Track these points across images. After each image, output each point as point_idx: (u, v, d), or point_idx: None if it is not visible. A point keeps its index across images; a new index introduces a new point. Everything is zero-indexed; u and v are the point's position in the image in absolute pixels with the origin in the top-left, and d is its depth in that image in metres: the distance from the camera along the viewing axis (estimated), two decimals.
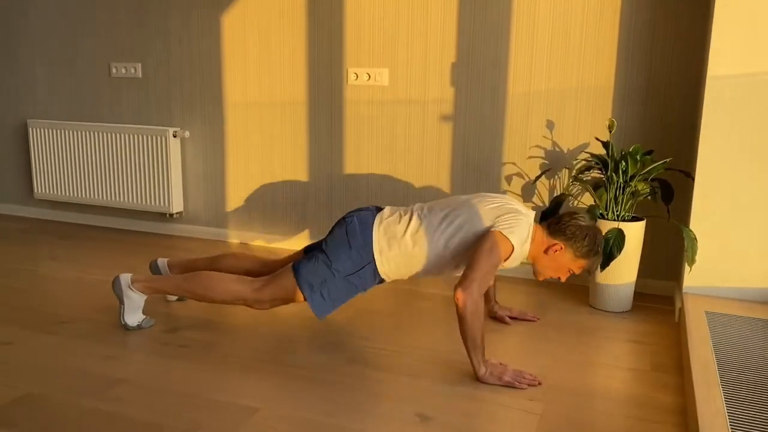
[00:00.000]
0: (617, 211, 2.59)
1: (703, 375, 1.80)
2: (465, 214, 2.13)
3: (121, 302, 2.32)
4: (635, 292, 2.88)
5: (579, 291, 2.88)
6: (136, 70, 3.72)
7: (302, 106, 3.39)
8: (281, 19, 3.34)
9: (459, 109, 3.08)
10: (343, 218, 2.23)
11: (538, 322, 2.51)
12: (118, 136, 3.74)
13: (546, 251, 2.15)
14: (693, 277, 2.48)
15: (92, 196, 3.89)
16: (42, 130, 3.94)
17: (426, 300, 2.74)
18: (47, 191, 4.01)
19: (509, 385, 1.94)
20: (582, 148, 2.91)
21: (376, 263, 2.16)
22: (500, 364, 2.00)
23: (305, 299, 2.16)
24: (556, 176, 2.98)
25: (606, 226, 2.54)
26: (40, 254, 3.35)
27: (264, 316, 2.52)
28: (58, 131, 3.90)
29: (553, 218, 2.20)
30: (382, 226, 2.17)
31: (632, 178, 2.54)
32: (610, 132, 2.62)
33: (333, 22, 3.23)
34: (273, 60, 3.40)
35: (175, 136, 3.63)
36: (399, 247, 2.14)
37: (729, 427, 1.53)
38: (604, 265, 2.49)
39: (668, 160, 2.58)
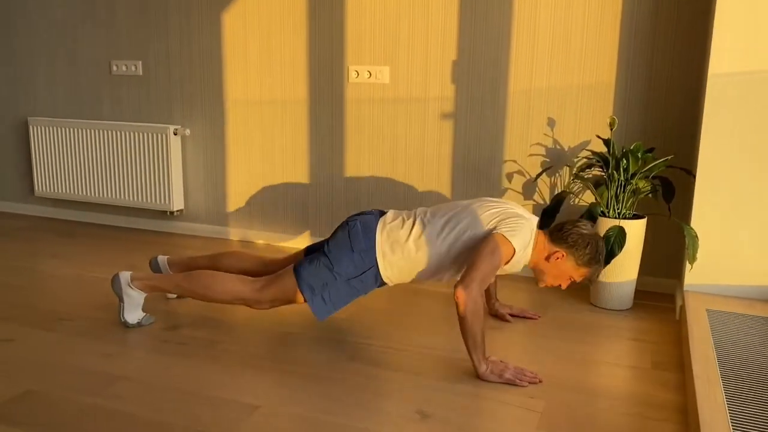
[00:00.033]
0: (618, 209, 2.58)
1: (704, 372, 1.80)
2: (467, 220, 2.13)
3: (121, 300, 2.32)
4: (636, 290, 2.87)
5: (580, 289, 2.88)
6: (136, 68, 3.72)
7: (303, 103, 3.38)
8: (282, 17, 3.33)
9: (460, 106, 3.08)
10: (346, 222, 2.23)
11: (539, 320, 2.50)
12: (118, 133, 3.73)
13: (547, 258, 2.15)
14: (694, 275, 2.48)
15: (93, 194, 3.89)
16: (42, 128, 3.94)
17: (427, 298, 2.74)
18: (48, 189, 4.01)
19: (510, 383, 1.94)
20: (583, 145, 2.90)
21: (379, 267, 2.15)
22: (501, 361, 2.00)
23: (306, 301, 2.16)
24: (557, 174, 2.97)
25: (607, 224, 2.53)
26: (40, 252, 3.35)
27: (264, 313, 2.51)
28: (59, 129, 3.90)
29: (555, 225, 2.20)
30: (385, 231, 2.16)
31: (633, 175, 2.53)
32: (612, 129, 2.62)
33: (334, 19, 3.23)
34: (274, 58, 3.40)
35: (175, 134, 3.63)
36: (402, 252, 2.14)
37: (730, 423, 1.53)
38: (606, 263, 2.48)
39: (669, 157, 2.58)
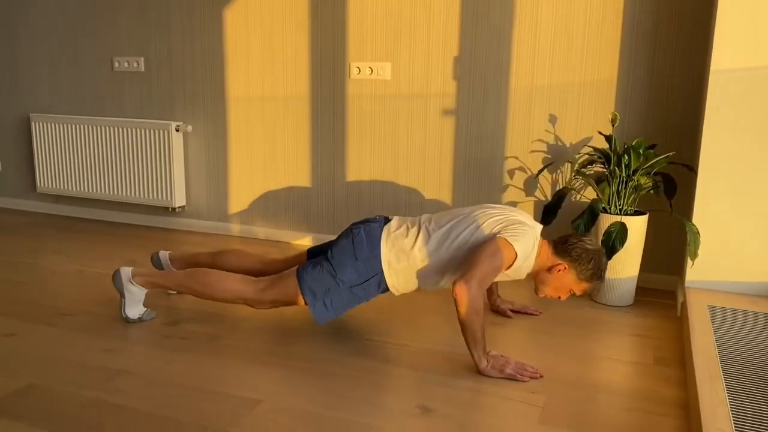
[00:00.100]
0: (620, 205, 2.58)
1: (706, 368, 1.80)
2: (471, 227, 2.12)
3: (122, 296, 2.33)
4: (637, 287, 2.87)
5: None
6: (138, 64, 3.72)
7: (305, 100, 3.38)
8: (284, 14, 3.33)
9: (461, 103, 3.08)
10: (350, 229, 2.23)
11: (540, 316, 2.50)
12: (120, 130, 3.74)
13: (549, 270, 2.15)
14: (695, 272, 2.48)
15: (94, 190, 3.89)
16: (45, 125, 3.94)
17: (427, 294, 2.74)
18: (50, 185, 4.02)
19: (511, 378, 1.94)
20: (585, 142, 2.90)
21: (385, 276, 2.16)
22: (501, 356, 2.00)
23: (307, 305, 2.16)
24: (559, 170, 2.97)
25: (608, 220, 2.53)
26: (41, 247, 3.35)
27: (265, 310, 2.51)
28: (61, 125, 3.90)
29: (560, 238, 2.19)
30: (389, 240, 2.16)
31: (635, 172, 2.53)
32: (613, 126, 2.61)
33: (336, 15, 3.23)
34: (275, 54, 3.40)
35: (177, 131, 3.63)
36: (407, 261, 2.15)
37: (731, 419, 1.53)
38: (607, 259, 2.48)
39: (671, 154, 2.57)
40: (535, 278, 2.21)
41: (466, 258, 2.10)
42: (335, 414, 1.73)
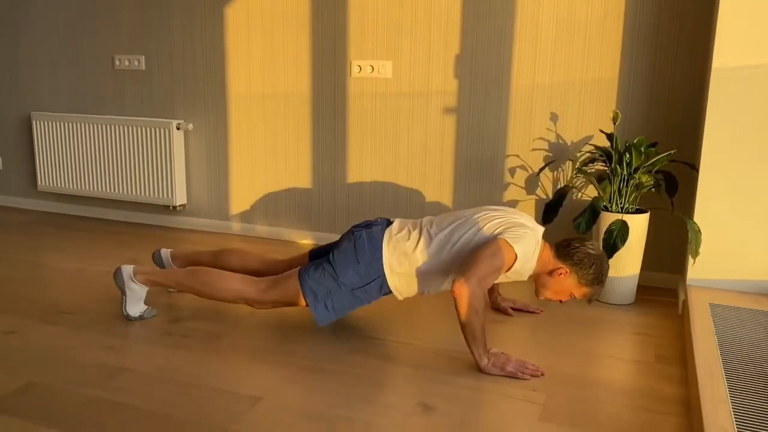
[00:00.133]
0: (621, 204, 2.57)
1: (707, 365, 1.79)
2: (472, 230, 2.12)
3: (123, 293, 2.33)
4: (638, 285, 2.87)
5: None
6: (139, 63, 3.72)
7: (306, 98, 3.38)
8: (285, 11, 3.33)
9: (462, 101, 3.07)
10: (352, 232, 2.23)
11: (541, 314, 2.50)
12: (121, 128, 3.74)
13: (551, 273, 2.14)
14: (697, 270, 2.47)
15: (96, 189, 3.89)
16: (46, 123, 3.95)
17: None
18: (51, 184, 4.02)
19: (512, 376, 1.93)
20: (586, 140, 2.90)
21: (387, 279, 2.16)
22: (502, 353, 1.99)
23: (308, 306, 2.17)
24: (560, 168, 2.96)
25: (610, 218, 2.53)
26: (43, 246, 3.35)
27: None
28: (62, 124, 3.90)
29: (562, 241, 2.19)
30: (391, 243, 2.16)
31: (636, 170, 2.53)
32: (615, 124, 2.61)
33: (337, 14, 3.22)
34: (276, 52, 3.39)
35: (178, 129, 3.63)
36: (409, 264, 2.15)
37: (733, 416, 1.52)
38: (608, 257, 2.48)
39: (672, 152, 2.57)
40: (536, 281, 2.20)
41: (467, 258, 2.10)
42: (336, 411, 1.73)
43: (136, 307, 2.34)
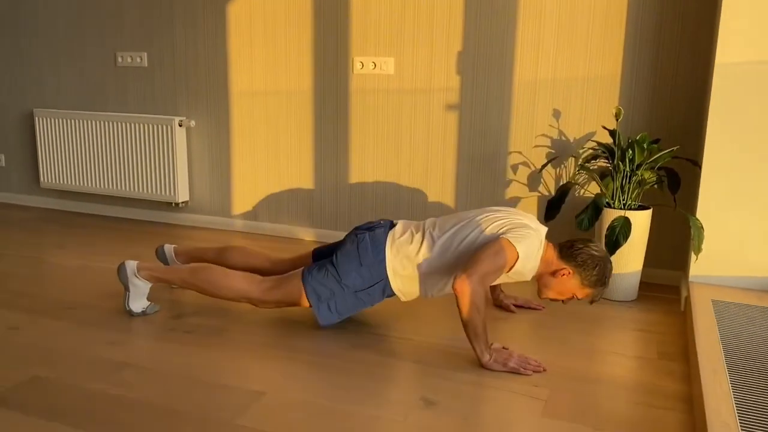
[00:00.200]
0: (623, 200, 2.57)
1: (710, 361, 1.79)
2: (475, 231, 2.12)
3: (127, 289, 2.33)
4: (641, 282, 2.87)
5: None
6: (141, 59, 3.72)
7: (308, 95, 3.38)
8: (287, 8, 3.33)
9: (465, 97, 3.07)
10: (355, 234, 2.23)
11: (544, 310, 2.50)
12: (123, 125, 3.74)
13: (554, 273, 2.14)
14: (699, 266, 2.47)
15: (98, 186, 3.90)
16: (48, 120, 3.95)
17: None
18: (53, 180, 4.02)
19: (514, 371, 1.94)
20: (588, 136, 2.90)
21: (390, 281, 2.17)
22: (504, 348, 2.00)
23: (311, 306, 2.18)
24: (563, 165, 2.96)
25: (612, 214, 2.53)
26: (46, 242, 3.36)
27: None
28: (65, 121, 3.91)
29: (566, 242, 2.18)
30: (394, 246, 2.17)
31: (639, 166, 2.53)
32: (617, 120, 2.61)
33: (339, 10, 3.22)
34: (279, 49, 3.40)
35: (180, 126, 3.63)
36: (412, 268, 2.15)
37: (736, 412, 1.53)
38: (610, 253, 2.48)
39: (675, 148, 2.57)
40: (539, 281, 2.20)
41: (470, 256, 2.10)
42: (339, 406, 1.73)
43: (138, 302, 2.34)
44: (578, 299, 2.18)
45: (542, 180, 3.01)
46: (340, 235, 3.45)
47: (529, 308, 2.51)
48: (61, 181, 4.00)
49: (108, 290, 2.63)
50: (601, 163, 2.80)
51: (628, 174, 2.54)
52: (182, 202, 3.75)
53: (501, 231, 2.08)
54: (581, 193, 2.94)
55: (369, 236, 2.19)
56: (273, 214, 3.58)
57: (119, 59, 3.78)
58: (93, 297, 2.55)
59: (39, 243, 3.34)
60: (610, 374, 1.96)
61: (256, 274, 2.30)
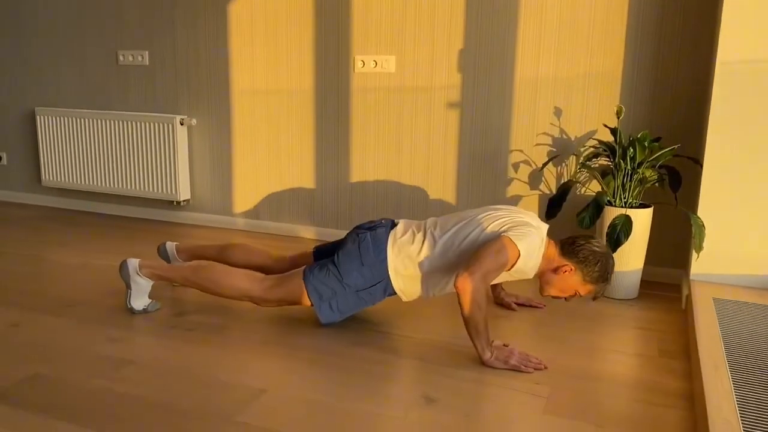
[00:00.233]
0: (625, 198, 2.57)
1: (711, 359, 1.79)
2: (477, 230, 2.12)
3: (128, 287, 2.33)
4: (642, 280, 2.87)
5: None
6: (143, 58, 3.72)
7: (309, 93, 3.38)
8: (288, 7, 3.33)
9: (466, 95, 3.07)
10: (357, 233, 2.23)
11: (545, 308, 2.50)
12: (125, 123, 3.74)
13: (555, 270, 2.14)
14: (700, 264, 2.47)
15: (99, 184, 3.90)
16: (50, 118, 3.95)
17: None
18: (55, 179, 4.03)
19: (515, 369, 1.94)
20: (590, 135, 2.90)
21: (391, 281, 2.17)
22: (505, 346, 2.00)
23: (312, 305, 2.18)
24: (564, 163, 2.96)
25: (613, 212, 2.53)
26: (47, 240, 3.36)
27: None
28: (66, 119, 3.91)
29: (567, 239, 2.18)
30: (396, 246, 2.17)
31: (640, 164, 2.52)
32: (618, 118, 2.61)
33: (340, 9, 3.22)
34: (280, 48, 3.40)
35: (182, 124, 3.63)
36: (414, 267, 2.15)
37: (737, 409, 1.52)
38: (612, 251, 2.48)
39: (676, 146, 2.57)
40: (540, 278, 2.20)
41: (471, 254, 2.10)
42: (340, 403, 1.73)
43: (140, 300, 2.34)
44: (581, 296, 2.17)
45: (543, 178, 3.01)
46: (341, 234, 3.45)
47: (531, 306, 2.51)
48: (63, 180, 4.00)
49: (109, 288, 2.63)
50: (603, 161, 2.80)
51: (630, 172, 2.54)
52: (183, 201, 3.75)
53: (502, 229, 2.08)
54: (582, 192, 2.94)
55: (370, 236, 2.19)
56: (274, 212, 3.58)
57: (121, 58, 3.78)
58: (94, 295, 2.55)
59: (40, 241, 3.35)
60: (611, 372, 1.96)
61: (258, 273, 2.31)
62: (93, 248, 3.23)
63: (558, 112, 2.93)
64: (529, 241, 2.05)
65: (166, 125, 3.62)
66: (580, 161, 2.89)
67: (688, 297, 2.42)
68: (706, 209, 2.44)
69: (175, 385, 1.82)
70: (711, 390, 1.62)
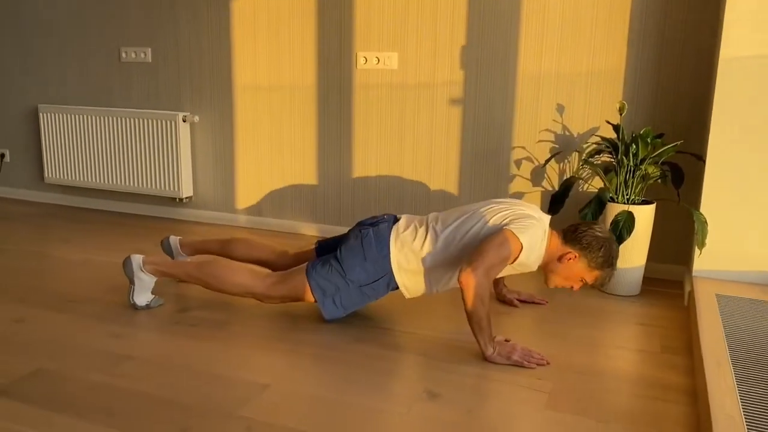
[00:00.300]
0: (627, 195, 2.57)
1: (714, 355, 1.79)
2: (479, 224, 2.12)
3: (132, 283, 2.34)
4: (644, 277, 2.86)
5: None
6: (145, 55, 3.73)
7: (311, 90, 3.38)
8: (291, 3, 3.33)
9: (468, 92, 3.07)
10: (359, 229, 2.23)
11: (547, 305, 2.50)
12: (128, 120, 3.75)
13: (560, 259, 2.13)
14: (703, 261, 2.47)
15: (102, 181, 3.91)
16: (52, 115, 3.96)
17: None
18: (58, 176, 4.03)
19: (517, 365, 1.94)
20: (592, 131, 2.89)
21: (394, 276, 2.17)
22: (506, 341, 2.00)
23: (316, 302, 2.18)
24: (566, 160, 2.96)
25: (616, 209, 2.53)
26: (50, 237, 3.37)
27: None
28: (69, 116, 3.92)
29: (569, 226, 2.18)
30: (398, 241, 2.17)
31: (642, 161, 2.52)
32: (621, 115, 2.60)
33: (342, 5, 3.22)
34: (282, 44, 3.40)
35: (184, 121, 3.63)
36: (417, 262, 2.16)
37: (740, 405, 1.53)
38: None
39: (679, 143, 2.57)
40: (545, 269, 2.20)
41: (474, 249, 2.10)
42: (343, 398, 1.74)
43: (143, 296, 2.35)
44: (587, 284, 2.17)
45: (546, 175, 3.01)
46: (343, 230, 3.45)
47: (533, 303, 2.51)
48: (66, 177, 4.01)
49: (112, 284, 2.63)
50: (605, 157, 2.80)
51: (632, 169, 2.54)
52: (186, 198, 3.75)
53: (504, 222, 2.08)
54: (585, 188, 2.94)
55: (373, 231, 2.20)
56: (277, 209, 3.59)
57: (123, 55, 3.79)
58: (97, 291, 2.55)
59: (43, 238, 3.36)
60: (613, 368, 1.96)
61: (261, 269, 2.31)
62: (96, 245, 3.23)
63: (560, 109, 2.92)
64: (532, 234, 2.05)
65: (168, 122, 3.63)
66: (583, 158, 2.89)
67: (691, 293, 2.42)
68: (708, 205, 2.44)
69: (177, 380, 1.83)
70: (714, 386, 1.62)
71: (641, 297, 2.60)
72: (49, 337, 2.11)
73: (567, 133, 2.93)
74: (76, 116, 3.89)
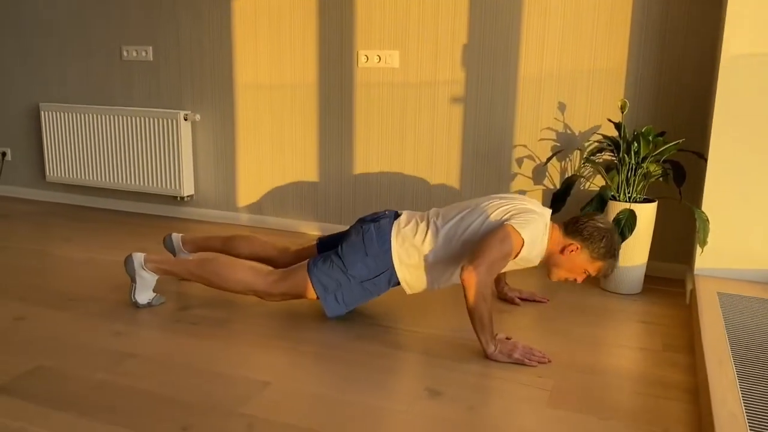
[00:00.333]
0: (629, 193, 2.57)
1: (715, 352, 1.79)
2: (480, 218, 2.12)
3: (133, 281, 2.34)
4: (646, 275, 2.86)
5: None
6: (147, 53, 3.73)
7: (313, 88, 3.38)
8: (292, 1, 3.33)
9: (470, 90, 3.07)
10: (360, 225, 2.23)
11: (548, 303, 2.50)
12: (129, 119, 3.75)
13: (562, 251, 2.13)
14: (704, 259, 2.47)
15: (104, 179, 3.91)
16: (54, 114, 3.96)
17: None
18: (59, 174, 4.03)
19: (519, 362, 1.94)
20: (594, 129, 2.89)
21: (396, 271, 2.17)
22: (508, 339, 2.00)
23: (318, 298, 2.18)
24: (568, 158, 2.96)
25: (617, 207, 2.52)
26: (52, 235, 3.37)
27: None
28: (70, 114, 3.92)
29: (570, 219, 2.18)
30: (399, 236, 2.17)
31: (644, 159, 2.52)
32: (623, 113, 2.60)
33: (344, 3, 3.22)
34: (284, 42, 3.40)
35: (186, 120, 3.63)
36: (418, 257, 2.16)
37: (742, 402, 1.52)
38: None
39: (680, 141, 2.56)
40: (547, 262, 2.19)
41: (475, 245, 2.10)
42: (344, 396, 1.74)
43: (144, 294, 2.35)
44: (591, 275, 2.16)
45: (547, 173, 3.01)
46: (344, 229, 3.45)
47: (534, 301, 2.51)
48: (67, 175, 4.01)
49: (114, 282, 2.64)
50: (607, 156, 2.80)
51: (634, 167, 2.54)
52: (187, 196, 3.75)
53: (505, 217, 2.08)
54: (586, 186, 2.94)
55: (374, 227, 2.20)
56: (278, 207, 3.59)
57: (125, 53, 3.79)
58: (99, 289, 2.56)
59: (45, 236, 3.36)
60: (615, 365, 1.96)
61: (263, 267, 2.31)
62: (97, 243, 3.23)
63: (562, 107, 2.92)
64: (533, 228, 2.05)
65: (170, 121, 3.63)
66: (584, 156, 2.88)
67: (692, 291, 2.42)
68: (710, 204, 2.43)
69: (179, 378, 1.83)
70: (715, 383, 1.62)
71: (643, 295, 2.60)
72: (50, 334, 2.11)
73: (568, 132, 2.93)
74: (78, 115, 3.89)
